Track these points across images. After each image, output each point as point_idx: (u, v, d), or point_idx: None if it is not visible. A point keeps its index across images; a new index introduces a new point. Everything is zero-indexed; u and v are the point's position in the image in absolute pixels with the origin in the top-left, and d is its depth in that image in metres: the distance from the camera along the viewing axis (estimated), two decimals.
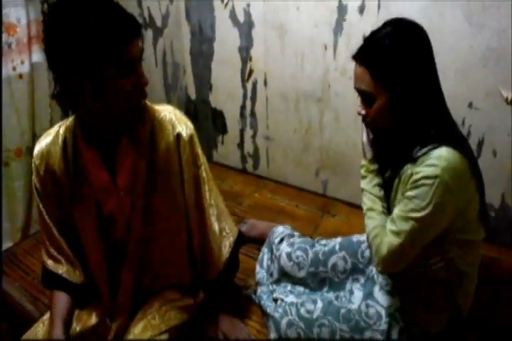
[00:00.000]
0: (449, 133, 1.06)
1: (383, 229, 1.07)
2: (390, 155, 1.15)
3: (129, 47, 0.95)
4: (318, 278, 1.39)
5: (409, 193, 1.02)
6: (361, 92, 1.06)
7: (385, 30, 1.02)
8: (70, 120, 1.15)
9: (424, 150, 1.02)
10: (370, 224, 1.11)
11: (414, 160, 1.03)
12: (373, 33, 1.03)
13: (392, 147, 1.14)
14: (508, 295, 1.47)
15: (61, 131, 1.14)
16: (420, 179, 0.99)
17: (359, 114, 1.10)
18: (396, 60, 0.99)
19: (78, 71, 0.93)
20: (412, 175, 1.02)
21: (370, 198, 1.14)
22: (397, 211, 1.06)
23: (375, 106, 1.04)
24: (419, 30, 1.03)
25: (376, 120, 1.08)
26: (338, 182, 2.05)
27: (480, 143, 1.62)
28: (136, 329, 1.18)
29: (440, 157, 0.98)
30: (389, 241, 1.05)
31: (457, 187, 0.99)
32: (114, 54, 0.93)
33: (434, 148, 1.00)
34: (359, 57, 1.03)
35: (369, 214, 1.12)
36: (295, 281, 1.43)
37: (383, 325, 1.17)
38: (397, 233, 1.04)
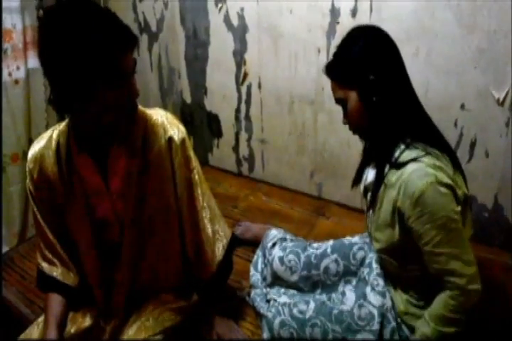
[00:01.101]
0: (424, 131, 1.09)
1: (448, 297, 1.05)
2: (374, 157, 1.18)
3: (123, 60, 0.96)
4: (310, 281, 1.40)
5: (424, 217, 1.01)
6: (338, 101, 1.13)
7: (347, 44, 1.11)
8: (63, 124, 1.16)
9: (406, 154, 1.04)
10: (446, 313, 1.06)
11: (397, 166, 1.05)
12: (338, 48, 1.12)
13: (375, 148, 1.17)
14: (500, 296, 1.48)
15: (54, 136, 1.15)
16: (420, 195, 0.99)
17: (344, 123, 1.17)
18: (354, 64, 1.06)
19: (70, 81, 0.94)
20: (396, 183, 1.04)
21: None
22: (428, 247, 1.03)
23: (348, 109, 1.10)
24: (380, 32, 1.09)
25: (355, 123, 1.13)
26: (332, 185, 2.06)
27: (472, 144, 1.63)
28: (131, 331, 1.18)
29: (424, 167, 1.00)
30: (460, 273, 1.02)
31: (451, 180, 1.02)
32: (107, 67, 0.93)
33: (414, 160, 1.02)
34: (327, 71, 1.12)
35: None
36: (288, 285, 1.43)
37: (376, 325, 1.17)
38: (454, 256, 1.02)
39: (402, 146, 1.06)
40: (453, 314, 1.05)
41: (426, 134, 1.08)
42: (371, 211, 1.17)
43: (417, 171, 1.00)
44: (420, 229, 1.02)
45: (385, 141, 1.10)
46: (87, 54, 0.90)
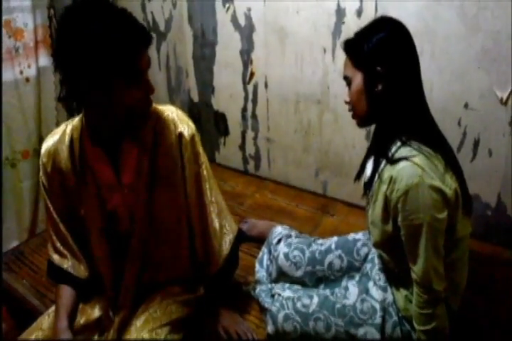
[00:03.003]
0: (422, 129, 1.10)
1: (416, 294, 1.09)
2: (372, 150, 1.20)
3: (140, 59, 1.00)
4: (314, 276, 1.42)
5: (403, 214, 1.04)
6: (345, 78, 1.14)
7: (372, 26, 1.11)
8: (76, 119, 1.19)
9: (401, 151, 1.06)
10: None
11: (391, 162, 1.06)
12: (361, 29, 1.13)
13: (373, 142, 1.19)
14: (503, 293, 1.49)
15: (68, 130, 1.19)
16: (404, 194, 1.02)
17: (345, 102, 1.17)
18: (372, 46, 1.07)
19: (89, 79, 0.97)
20: (390, 180, 1.05)
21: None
22: (404, 241, 1.07)
23: (352, 87, 1.12)
24: (403, 29, 1.11)
25: (354, 104, 1.14)
26: (337, 183, 2.08)
27: (476, 143, 1.64)
28: (138, 322, 1.21)
29: (412, 167, 1.02)
30: (420, 274, 1.06)
31: (439, 180, 1.02)
32: (125, 65, 0.97)
33: (405, 158, 1.03)
34: (345, 46, 1.13)
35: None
36: (293, 281, 1.45)
37: (378, 319, 1.19)
38: (420, 257, 1.04)
39: (399, 143, 1.08)
40: (424, 310, 1.08)
41: (423, 132, 1.09)
42: (369, 205, 1.19)
43: (405, 170, 1.02)
44: (399, 223, 1.06)
45: (382, 134, 1.13)
46: (107, 51, 0.94)
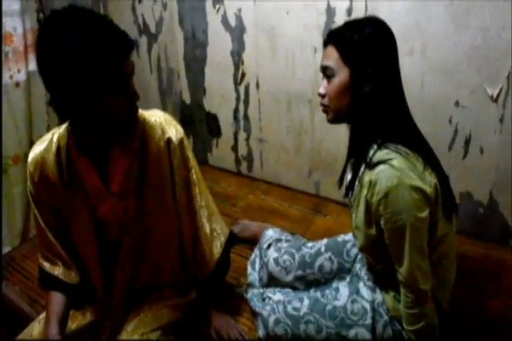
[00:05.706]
0: (400, 130, 1.09)
1: (403, 294, 1.08)
2: (350, 152, 1.19)
3: (124, 66, 0.98)
4: (305, 280, 1.41)
5: (385, 217, 1.03)
6: (325, 69, 1.09)
7: (362, 21, 1.09)
8: (63, 128, 1.18)
9: (378, 155, 1.05)
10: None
11: (369, 166, 1.06)
12: (349, 22, 1.11)
13: (352, 147, 1.18)
14: (495, 290, 1.49)
15: (54, 139, 1.17)
16: (384, 196, 1.01)
17: (319, 94, 1.12)
18: (364, 43, 1.04)
19: (73, 89, 0.95)
20: (370, 184, 1.05)
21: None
22: (388, 243, 1.07)
23: (335, 81, 1.07)
24: (389, 30, 1.09)
25: (333, 99, 1.09)
26: (329, 183, 2.06)
27: (467, 141, 1.64)
28: (129, 327, 1.21)
29: (390, 169, 1.01)
30: (405, 274, 1.05)
31: (418, 179, 1.01)
32: (109, 73, 0.95)
33: (383, 161, 1.03)
34: (330, 36, 1.09)
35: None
36: (283, 285, 1.44)
37: (368, 320, 1.19)
38: (404, 257, 1.04)
39: (375, 146, 1.08)
40: (412, 310, 1.08)
41: (401, 133, 1.08)
42: (352, 210, 1.19)
43: (383, 173, 1.02)
44: (382, 225, 1.06)
45: (358, 138, 1.12)
46: (89, 61, 0.92)
